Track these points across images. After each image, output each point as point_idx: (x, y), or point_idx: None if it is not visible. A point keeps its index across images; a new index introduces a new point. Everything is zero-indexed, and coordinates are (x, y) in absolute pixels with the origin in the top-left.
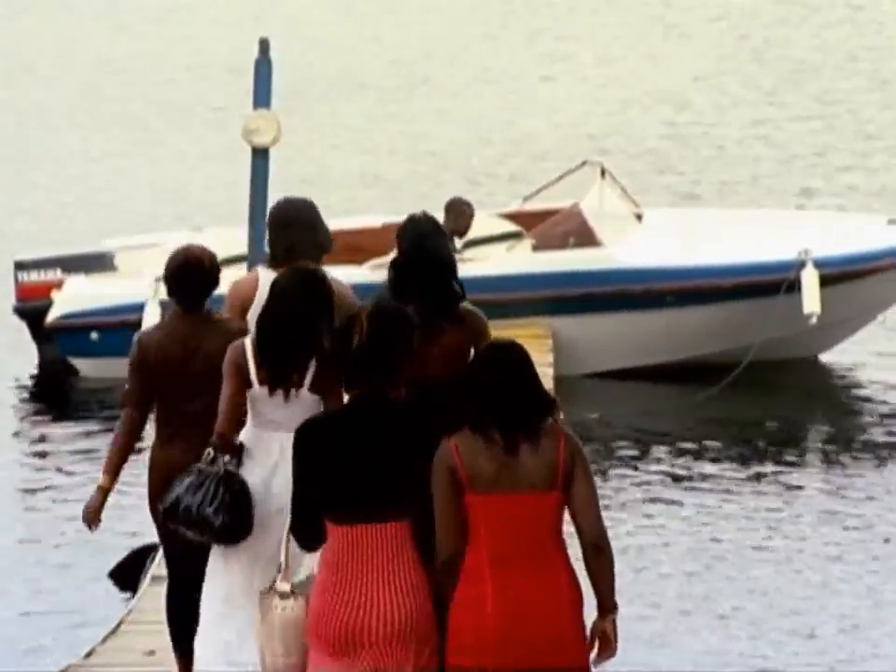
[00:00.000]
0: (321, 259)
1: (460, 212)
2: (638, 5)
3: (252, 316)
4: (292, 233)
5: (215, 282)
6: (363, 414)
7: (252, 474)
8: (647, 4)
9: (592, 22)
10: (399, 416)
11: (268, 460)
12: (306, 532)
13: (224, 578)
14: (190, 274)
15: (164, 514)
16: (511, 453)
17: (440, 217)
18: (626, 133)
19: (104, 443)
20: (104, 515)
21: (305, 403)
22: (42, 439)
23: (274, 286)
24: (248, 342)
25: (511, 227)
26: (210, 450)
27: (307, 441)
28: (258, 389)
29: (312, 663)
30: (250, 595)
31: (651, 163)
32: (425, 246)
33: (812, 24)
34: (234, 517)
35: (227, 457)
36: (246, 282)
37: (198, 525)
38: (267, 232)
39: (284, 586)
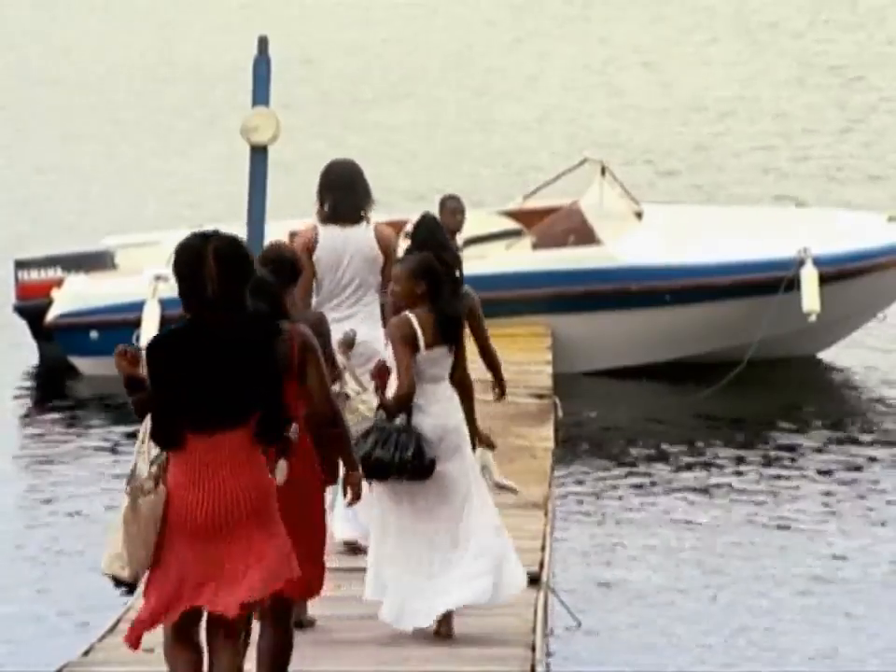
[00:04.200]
0: (361, 218)
1: (452, 209)
2: (677, 10)
3: (317, 259)
4: (334, 195)
5: (291, 273)
6: (210, 332)
7: (425, 423)
8: (688, 8)
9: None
10: (241, 332)
11: (437, 408)
12: (164, 436)
13: (396, 516)
14: (267, 264)
15: None
16: None
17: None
18: (645, 138)
19: (103, 441)
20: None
21: (446, 355)
22: (42, 437)
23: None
24: (413, 317)
25: (511, 224)
26: (382, 411)
27: (159, 355)
28: (425, 353)
29: (172, 551)
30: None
31: (673, 168)
32: (437, 239)
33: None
34: (426, 457)
35: (402, 414)
36: (306, 231)
37: (397, 471)
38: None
39: (148, 482)
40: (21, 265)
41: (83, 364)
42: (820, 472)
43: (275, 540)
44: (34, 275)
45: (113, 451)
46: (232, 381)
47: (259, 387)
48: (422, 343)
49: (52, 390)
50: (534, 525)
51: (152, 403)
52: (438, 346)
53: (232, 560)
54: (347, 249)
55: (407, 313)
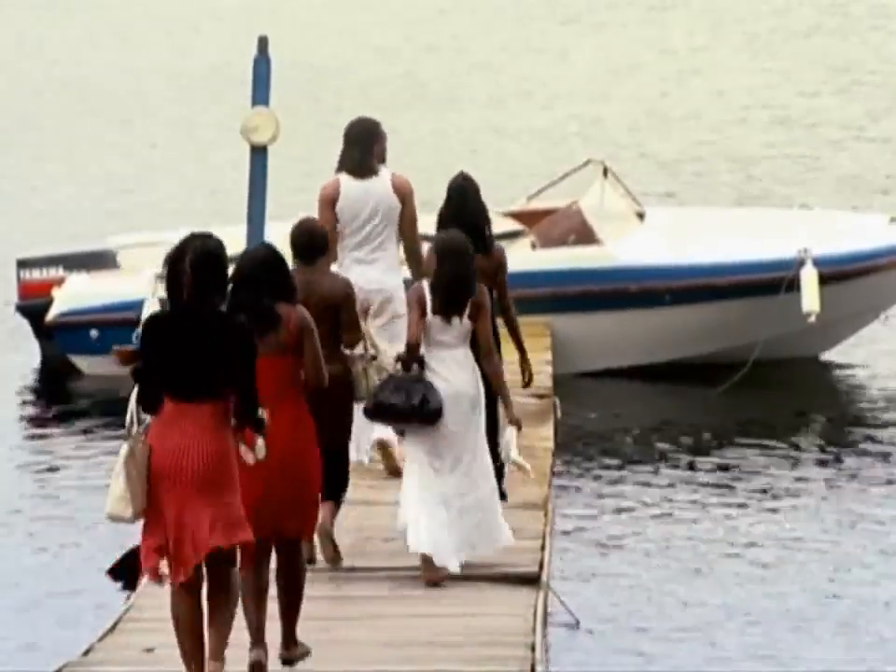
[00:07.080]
0: (367, 173)
1: None
2: (695, 14)
3: (340, 209)
4: (346, 150)
5: (321, 246)
6: (193, 318)
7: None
8: (707, 13)
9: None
10: (219, 323)
11: (442, 370)
12: (148, 401)
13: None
14: (300, 237)
15: (369, 415)
16: None
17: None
18: (662, 144)
19: (104, 439)
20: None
21: (464, 328)
22: (43, 436)
23: (444, 250)
24: (426, 285)
25: (513, 225)
26: (399, 363)
27: (151, 333)
28: (432, 318)
29: (154, 495)
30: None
31: (688, 174)
32: (469, 198)
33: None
34: (435, 404)
35: (416, 366)
36: (331, 184)
37: (407, 415)
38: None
39: (138, 434)
40: (22, 264)
41: (84, 363)
42: (823, 474)
43: (226, 509)
44: (35, 274)
45: (114, 449)
46: (202, 362)
47: (227, 372)
48: (429, 308)
49: (53, 389)
50: (534, 525)
51: (140, 372)
52: (443, 314)
53: (184, 517)
54: (368, 200)
55: (424, 282)
